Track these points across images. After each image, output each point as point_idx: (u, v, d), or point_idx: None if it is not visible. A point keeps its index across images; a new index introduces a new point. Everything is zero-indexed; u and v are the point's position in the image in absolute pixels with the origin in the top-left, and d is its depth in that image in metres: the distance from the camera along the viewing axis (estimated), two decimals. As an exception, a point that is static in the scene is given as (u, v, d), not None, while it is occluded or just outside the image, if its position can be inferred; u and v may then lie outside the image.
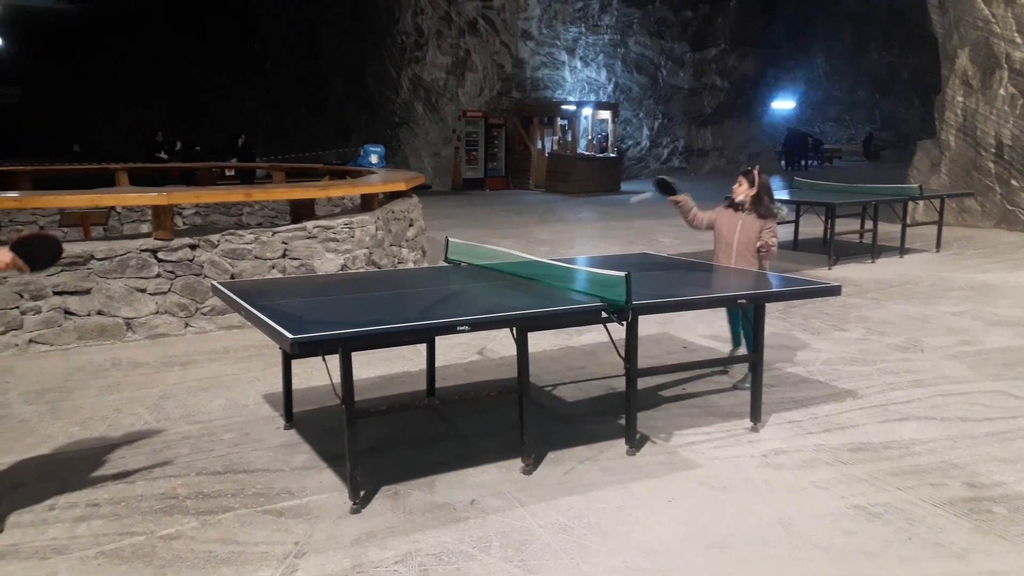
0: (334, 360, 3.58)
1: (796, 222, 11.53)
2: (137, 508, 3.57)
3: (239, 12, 31.93)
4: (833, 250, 10.13)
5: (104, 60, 36.03)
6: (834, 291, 4.66)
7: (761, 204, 5.40)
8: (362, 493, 3.63)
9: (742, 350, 5.61)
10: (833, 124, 41.90)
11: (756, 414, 4.54)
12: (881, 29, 38.54)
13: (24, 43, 33.86)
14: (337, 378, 3.54)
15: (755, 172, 5.49)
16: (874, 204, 10.51)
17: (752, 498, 3.69)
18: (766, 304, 4.70)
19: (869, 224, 10.71)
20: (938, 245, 11.35)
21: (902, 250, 10.84)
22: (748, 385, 5.15)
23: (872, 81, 40.02)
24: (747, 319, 5.30)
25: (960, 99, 14.12)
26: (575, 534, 3.34)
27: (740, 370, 5.38)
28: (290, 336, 3.22)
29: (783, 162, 32.77)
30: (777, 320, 6.94)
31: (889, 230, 11.42)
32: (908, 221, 11.24)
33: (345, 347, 3.47)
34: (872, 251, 10.47)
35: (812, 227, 11.43)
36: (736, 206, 5.50)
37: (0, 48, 28.58)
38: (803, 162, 33.18)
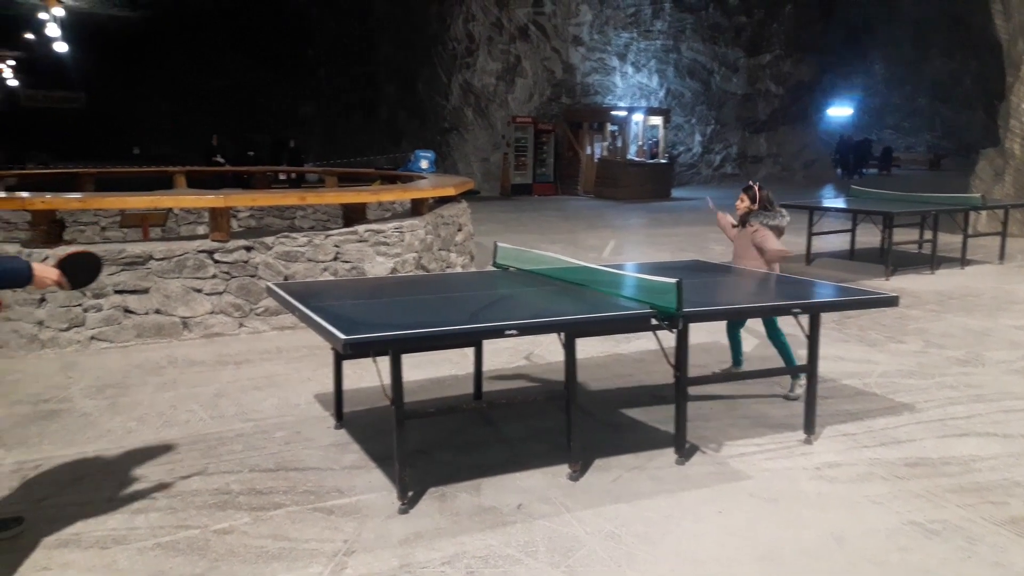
0: (384, 362, 3.62)
1: (853, 231, 11.29)
2: (192, 502, 3.65)
3: (295, 20, 32.54)
4: (891, 260, 9.89)
5: (164, 66, 37.03)
6: (891, 302, 4.55)
7: (758, 216, 5.43)
8: (410, 494, 3.66)
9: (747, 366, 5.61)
10: (892, 132, 40.93)
11: (810, 426, 4.45)
12: (943, 35, 37.54)
13: (88, 50, 34.97)
14: (387, 379, 3.57)
15: (756, 188, 5.52)
16: (934, 214, 10.24)
17: (804, 511, 3.62)
18: (821, 315, 4.60)
19: (928, 234, 10.43)
20: (1001, 256, 11.01)
21: (963, 261, 10.54)
22: (795, 395, 5.08)
23: (933, 88, 39.02)
24: (774, 332, 5.30)
25: (1026, 106, 13.68)
26: (622, 542, 3.32)
27: (787, 381, 5.28)
28: (343, 337, 3.26)
29: (839, 170, 32.11)
30: (832, 331, 6.80)
31: (950, 241, 11.11)
32: (970, 232, 10.91)
33: (395, 349, 3.50)
34: (931, 262, 10.19)
35: (869, 237, 11.18)
36: (742, 222, 5.57)
37: (65, 55, 29.57)
38: (861, 170, 32.46)
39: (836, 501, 3.72)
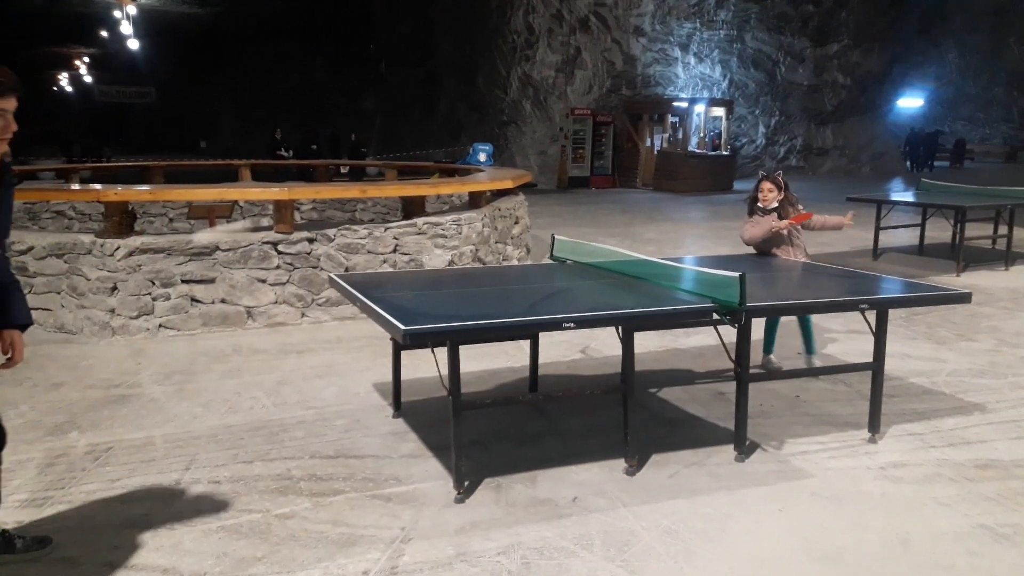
0: (441, 352, 3.65)
1: (923, 226, 10.94)
2: (255, 487, 3.74)
3: (358, 16, 32.97)
4: (962, 256, 9.55)
5: (231, 62, 37.93)
6: (963, 299, 4.40)
7: (786, 205, 5.49)
8: (466, 483, 3.68)
9: (772, 358, 5.59)
10: (965, 123, 39.49)
11: (875, 425, 4.33)
12: (1022, 22, 36.04)
13: (159, 46, 36.06)
14: (444, 370, 3.60)
15: (778, 176, 5.62)
16: (1009, 208, 9.84)
17: (868, 512, 3.52)
18: (889, 311, 4.47)
19: (1003, 229, 10.04)
20: (1081, 253, 10.54)
21: (1040, 257, 10.12)
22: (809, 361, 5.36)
23: (1010, 77, 37.47)
24: (807, 326, 5.50)
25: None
26: (680, 538, 3.28)
27: (852, 378, 5.14)
28: (402, 327, 3.30)
29: (908, 163, 31.12)
30: (900, 328, 6.61)
31: (1026, 236, 10.67)
32: (1048, 226, 10.47)
33: (454, 340, 3.53)
34: (1006, 258, 9.81)
35: (939, 232, 10.81)
36: (761, 213, 5.56)
37: (137, 51, 30.53)
38: (931, 163, 31.40)
39: (901, 502, 3.61)
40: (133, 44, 28.54)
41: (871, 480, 3.85)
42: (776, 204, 5.50)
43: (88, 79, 47.76)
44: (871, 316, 4.32)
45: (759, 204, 5.57)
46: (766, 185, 5.52)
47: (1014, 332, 6.68)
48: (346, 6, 33.47)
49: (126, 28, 27.03)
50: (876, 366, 4.35)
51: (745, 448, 4.11)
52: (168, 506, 3.55)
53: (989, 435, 4.42)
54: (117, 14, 27.12)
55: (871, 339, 4.35)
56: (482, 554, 3.14)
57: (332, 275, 4.70)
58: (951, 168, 31.17)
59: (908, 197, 11.53)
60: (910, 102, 36.48)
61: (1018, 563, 3.10)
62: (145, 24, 30.57)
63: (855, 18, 27.76)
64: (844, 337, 6.45)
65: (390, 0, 31.23)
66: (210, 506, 3.55)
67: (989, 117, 39.34)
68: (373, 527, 3.36)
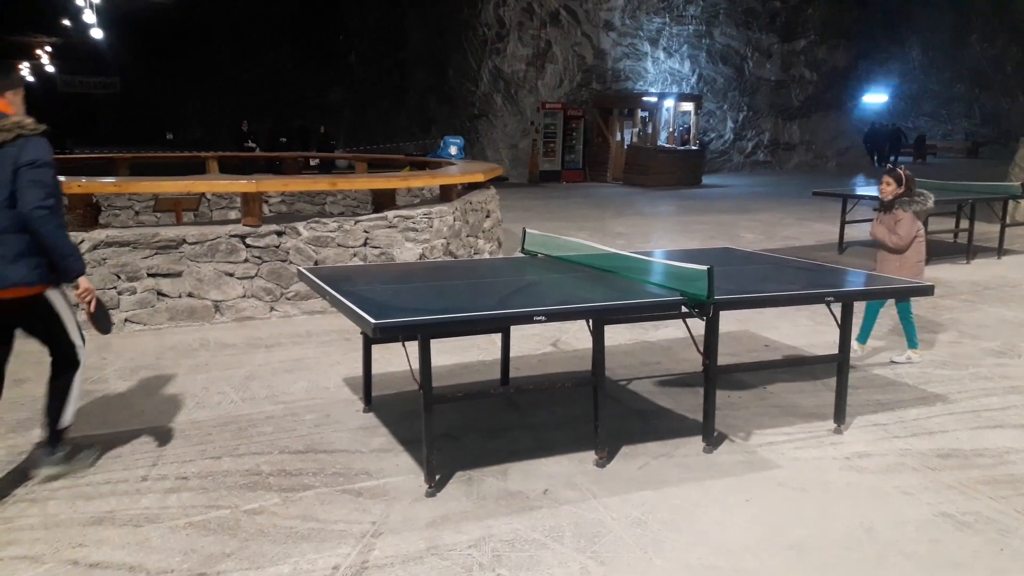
0: (412, 346, 3.64)
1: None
2: (223, 483, 3.71)
3: (327, 6, 32.62)
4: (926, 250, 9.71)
5: (197, 52, 37.37)
6: (926, 291, 4.49)
7: (903, 201, 5.58)
8: (437, 477, 3.68)
9: (855, 346, 5.70)
10: (928, 119, 40.13)
11: (840, 416, 4.40)
12: (984, 20, 36.69)
13: (123, 36, 35.42)
14: (415, 364, 3.59)
15: (902, 171, 5.66)
16: (971, 202, 10.04)
17: (833, 501, 3.58)
18: (854, 304, 4.54)
19: (965, 223, 10.24)
20: (1040, 246, 10.78)
21: (1000, 251, 10.33)
22: (899, 360, 5.58)
23: (972, 75, 38.16)
24: (906, 315, 5.69)
25: (1069, 93, 13.35)
26: (649, 528, 3.31)
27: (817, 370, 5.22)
28: (373, 321, 3.29)
29: (874, 157, 31.57)
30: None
31: (987, 230, 10.89)
32: (1008, 221, 10.69)
33: (424, 333, 3.52)
34: (967, 252, 10.01)
35: (903, 225, 10.99)
36: (882, 206, 5.69)
37: (101, 41, 29.97)
38: (893, 158, 31.89)
39: (866, 491, 3.68)
40: (97, 33, 28.00)
41: (836, 470, 3.91)
42: (892, 198, 5.58)
43: (50, 69, 46.80)
44: (837, 309, 4.38)
45: (880, 197, 5.70)
46: (885, 179, 5.63)
47: (975, 324, 6.82)
48: (315, -2, 33.14)
49: (89, 17, 26.50)
50: (841, 358, 4.41)
51: (713, 439, 4.15)
52: (134, 503, 3.51)
53: (951, 425, 4.51)
54: (80, 2, 26.57)
55: (836, 331, 4.42)
56: (453, 547, 3.15)
57: (301, 268, 4.66)
58: (914, 163, 31.67)
59: (873, 192, 11.68)
60: (875, 98, 36.98)
61: (979, 550, 3.18)
62: (109, 13, 29.98)
63: (821, 14, 28.11)
64: (810, 331, 6.55)
65: (360, -9, 30.98)
66: (177, 502, 3.51)
67: (951, 113, 40.03)
68: (343, 522, 3.34)
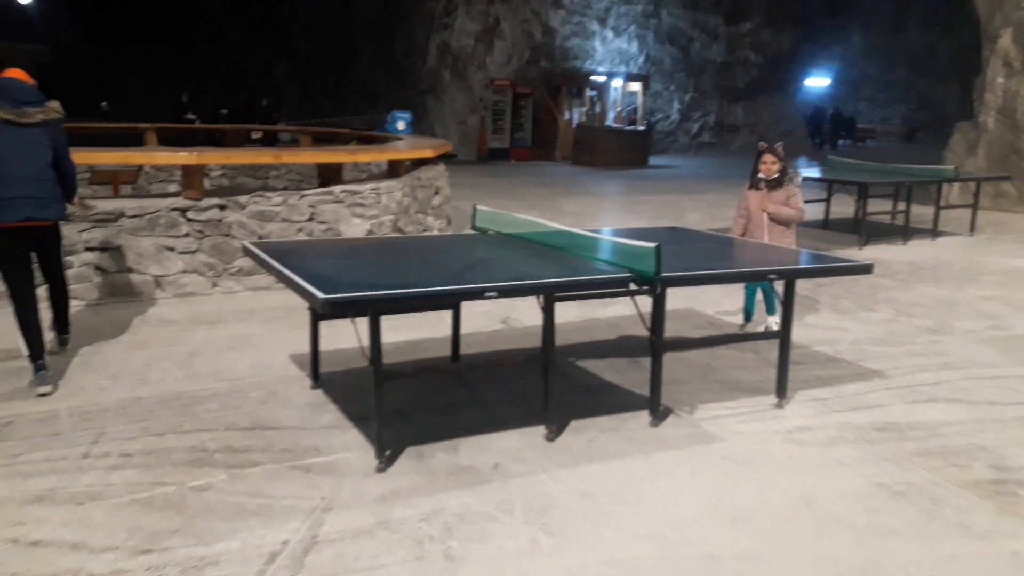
0: (361, 324, 3.61)
1: (828, 201, 11.38)
2: (168, 459, 3.64)
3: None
4: (864, 231, 10.00)
5: (133, 19, 36.06)
6: (865, 270, 4.62)
7: (785, 176, 5.71)
8: (387, 453, 3.67)
9: (750, 327, 5.91)
10: (867, 103, 41.10)
11: (781, 391, 4.52)
12: (922, 7, 37.61)
13: (55, 2, 33.98)
14: (365, 341, 3.56)
15: (780, 148, 5.75)
16: (908, 185, 10.34)
17: (775, 473, 3.69)
18: (796, 283, 4.65)
19: (902, 205, 10.55)
20: (972, 229, 11.17)
21: (935, 233, 10.68)
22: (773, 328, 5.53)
23: (910, 60, 39.16)
24: (766, 290, 5.75)
25: (1001, 80, 13.81)
26: (597, 501, 3.37)
27: (760, 346, 5.35)
28: (321, 296, 3.25)
29: (816, 140, 32.24)
30: (805, 299, 6.89)
31: (922, 212, 11.23)
32: (942, 203, 11.05)
33: (374, 308, 3.49)
34: (904, 233, 10.33)
35: (844, 207, 11.27)
36: (764, 184, 5.72)
37: (30, 5, 28.72)
38: (838, 141, 32.64)
39: (806, 464, 3.79)
40: (25, -2, 26.80)
41: (778, 443, 4.02)
42: (779, 175, 5.67)
43: (-25, 34, 44.67)
44: (780, 288, 4.48)
45: (761, 175, 5.72)
46: (768, 157, 5.68)
47: (910, 303, 7.06)
48: (258, -34, 32.24)
49: (18, -20, 25.33)
50: (783, 334, 4.53)
51: (659, 413, 4.23)
52: (75, 480, 3.42)
53: (887, 400, 4.67)
54: (7, -36, 25.37)
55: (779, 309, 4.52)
56: (404, 521, 3.15)
57: (246, 243, 4.57)
58: (847, 146, 32.44)
59: (815, 173, 11.96)
60: (818, 81, 37.68)
61: (913, 518, 3.31)
62: (39, -24, 28.70)
63: (767, -3, 28.47)
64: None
65: (304, -39, 30.26)
66: (120, 479, 3.44)
67: (889, 98, 41.06)
68: (292, 497, 3.32)
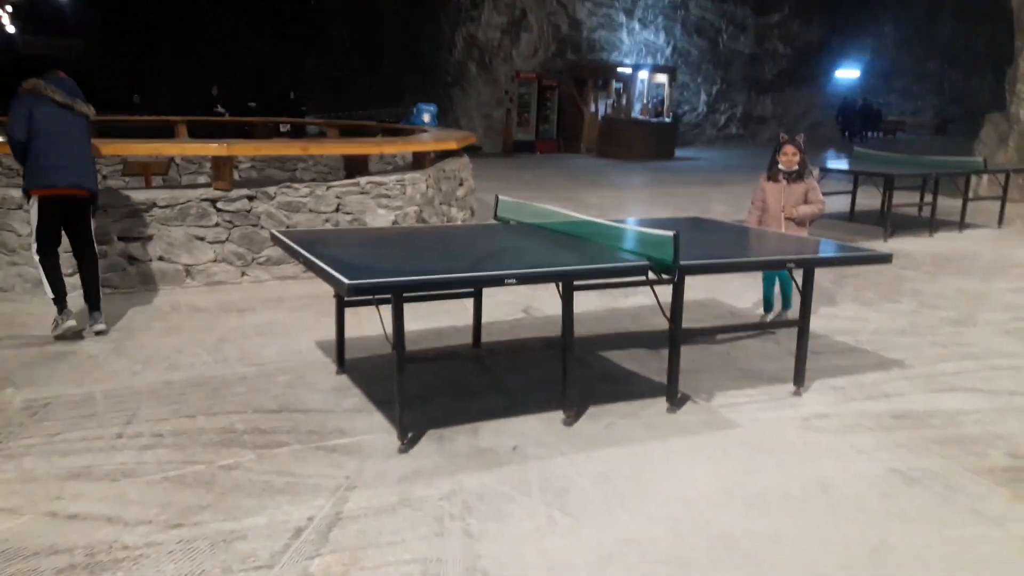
0: (385, 310, 3.70)
1: (854, 193, 11.31)
2: (198, 440, 3.77)
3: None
4: (890, 222, 9.94)
5: (166, 14, 36.52)
6: (885, 259, 4.62)
7: (805, 168, 5.67)
8: (409, 435, 3.77)
9: (771, 317, 5.87)
10: (899, 96, 40.48)
11: (800, 379, 4.55)
12: (955, -2, 36.97)
13: (90, -3, 34.51)
14: (388, 327, 3.66)
15: (801, 139, 5.73)
16: (935, 177, 10.25)
17: (791, 458, 3.73)
18: (816, 271, 4.67)
19: (929, 197, 10.45)
20: (1000, 221, 11.04)
21: (962, 225, 10.57)
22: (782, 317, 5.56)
23: (943, 52, 38.50)
24: (784, 281, 5.65)
25: (1033, 71, 13.59)
26: (614, 483, 3.44)
27: (780, 335, 5.38)
28: (347, 282, 3.35)
29: (845, 132, 31.86)
30: (828, 289, 6.89)
31: (950, 204, 11.13)
32: (970, 195, 10.93)
33: (398, 294, 3.58)
34: (931, 225, 10.24)
35: (870, 199, 11.20)
36: (783, 176, 5.70)
37: (65, 2, 29.22)
38: (867, 133, 32.22)
39: (822, 450, 3.83)
40: (60, -6, 27.27)
41: (795, 430, 4.06)
42: (799, 167, 5.64)
43: (11, 29, 45.50)
44: (799, 276, 4.51)
45: (780, 167, 5.67)
46: (789, 148, 5.62)
47: (934, 295, 7.03)
48: (287, -39, 32.49)
49: (52, -24, 25.79)
50: (802, 323, 4.55)
51: (677, 400, 4.28)
52: (110, 459, 3.56)
53: (906, 389, 4.68)
54: (42, -39, 25.83)
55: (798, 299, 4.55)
56: (425, 500, 3.25)
57: (274, 231, 4.69)
58: (873, 138, 32.00)
59: (842, 165, 11.88)
60: (847, 73, 37.19)
61: (927, 503, 3.34)
62: (73, -27, 29.19)
63: (796, -12, 28.16)
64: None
65: (332, -44, 30.46)
66: (153, 458, 3.57)
67: (921, 90, 40.40)
68: (318, 476, 3.43)
